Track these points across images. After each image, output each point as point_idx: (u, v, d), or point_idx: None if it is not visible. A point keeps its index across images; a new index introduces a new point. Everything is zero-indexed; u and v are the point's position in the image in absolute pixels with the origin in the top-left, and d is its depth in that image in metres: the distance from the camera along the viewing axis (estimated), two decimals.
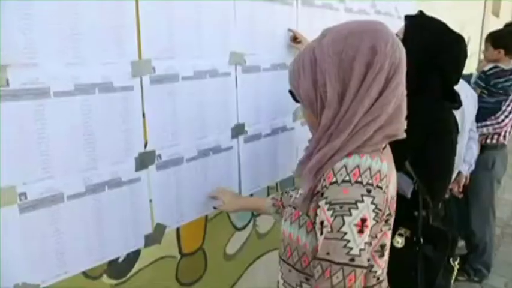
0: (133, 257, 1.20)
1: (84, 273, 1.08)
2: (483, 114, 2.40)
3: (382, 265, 0.89)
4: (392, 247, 1.22)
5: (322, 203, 0.79)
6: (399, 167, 1.18)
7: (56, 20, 0.94)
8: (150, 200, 1.22)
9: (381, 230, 0.84)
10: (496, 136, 2.48)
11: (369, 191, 0.77)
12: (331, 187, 0.78)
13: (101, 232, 1.09)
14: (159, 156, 1.22)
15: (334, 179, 0.78)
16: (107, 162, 1.09)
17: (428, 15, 1.43)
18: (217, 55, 1.35)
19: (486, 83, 2.56)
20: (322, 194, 0.80)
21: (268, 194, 1.71)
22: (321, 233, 0.78)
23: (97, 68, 1.03)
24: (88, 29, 1.00)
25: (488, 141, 2.49)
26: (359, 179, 0.77)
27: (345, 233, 0.75)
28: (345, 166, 0.79)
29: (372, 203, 0.77)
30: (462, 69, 1.41)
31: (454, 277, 1.35)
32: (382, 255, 0.87)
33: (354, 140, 0.80)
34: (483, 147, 2.48)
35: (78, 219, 1.04)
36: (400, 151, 1.15)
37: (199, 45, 1.29)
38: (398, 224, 1.17)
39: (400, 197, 1.18)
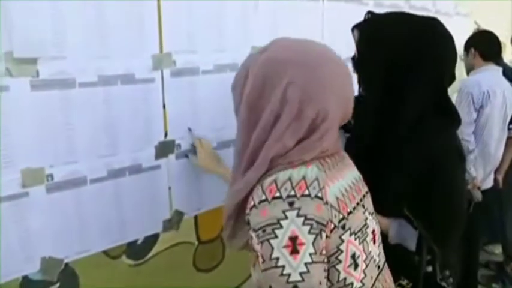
0: (152, 240, 1.28)
1: (105, 252, 1.16)
2: None
3: (359, 276, 0.76)
4: None
5: (250, 232, 0.70)
6: (398, 213, 1.01)
7: (82, 15, 1.02)
8: (169, 188, 1.28)
9: (342, 239, 0.72)
10: None
11: (291, 204, 0.66)
12: (251, 212, 0.69)
13: (121, 215, 1.17)
14: (179, 145, 1.28)
15: (253, 203, 0.70)
16: (128, 150, 1.16)
17: (379, 13, 1.08)
18: (238, 49, 1.38)
19: None
20: (248, 221, 0.70)
21: None
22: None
23: (120, 61, 1.10)
24: (112, 24, 1.07)
25: None
26: (277, 194, 0.67)
27: (277, 259, 0.65)
28: (260, 185, 0.70)
29: (298, 215, 0.66)
30: (453, 62, 1.05)
31: None
32: (356, 265, 0.74)
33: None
34: None
35: (99, 202, 1.12)
36: (395, 196, 0.98)
37: (220, 40, 1.33)
38: (398, 272, 0.99)
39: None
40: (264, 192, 0.69)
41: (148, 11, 1.14)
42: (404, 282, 1.03)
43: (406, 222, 1.02)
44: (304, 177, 0.69)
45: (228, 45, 1.36)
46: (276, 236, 0.65)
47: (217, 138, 1.39)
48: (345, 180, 0.78)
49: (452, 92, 2.36)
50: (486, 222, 2.48)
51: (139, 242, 1.24)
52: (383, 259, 0.86)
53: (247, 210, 0.71)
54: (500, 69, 2.27)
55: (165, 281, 1.32)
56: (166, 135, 1.24)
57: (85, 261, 1.11)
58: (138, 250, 1.25)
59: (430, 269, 1.04)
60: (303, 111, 0.71)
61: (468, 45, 2.30)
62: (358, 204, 0.78)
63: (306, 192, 0.68)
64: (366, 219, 0.79)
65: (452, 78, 1.06)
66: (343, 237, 0.72)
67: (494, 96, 2.16)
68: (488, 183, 2.30)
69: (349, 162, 0.86)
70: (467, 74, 2.38)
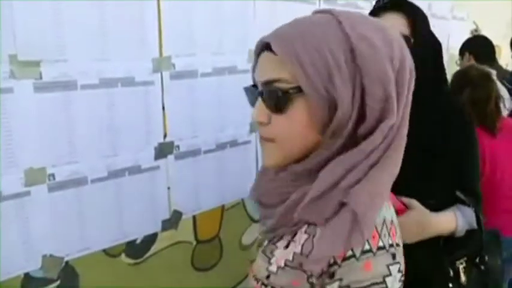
0: (150, 239, 1.30)
1: (105, 251, 1.18)
2: None
3: None
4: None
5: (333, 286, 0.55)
6: (451, 197, 1.01)
7: (84, 19, 1.04)
8: (168, 188, 1.31)
9: None
10: None
11: (394, 256, 0.55)
12: (345, 264, 0.54)
13: (120, 214, 1.19)
14: (178, 147, 1.31)
15: (351, 252, 0.54)
16: (128, 151, 1.18)
17: None
18: (236, 53, 1.42)
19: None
20: (333, 274, 0.55)
21: None
22: None
23: (120, 63, 1.12)
24: (113, 28, 1.10)
25: None
26: (380, 244, 0.54)
27: None
28: None
29: (399, 270, 0.55)
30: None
31: None
32: None
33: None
34: None
35: (100, 201, 1.14)
36: (443, 182, 1.00)
37: (219, 43, 1.36)
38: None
39: None
40: (366, 240, 0.54)
41: (149, 15, 1.17)
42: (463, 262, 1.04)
43: (462, 205, 1.01)
44: (392, 220, 0.59)
45: (227, 49, 1.38)
46: None
47: (216, 140, 1.41)
48: None
49: None
50: None
51: (138, 241, 1.27)
52: None
53: (336, 259, 0.54)
54: (494, 72, 2.31)
55: (163, 279, 1.34)
56: (165, 136, 1.27)
57: (85, 260, 1.13)
58: (137, 249, 1.27)
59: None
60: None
61: (463, 49, 2.37)
62: None
63: (397, 241, 0.58)
64: None
65: None
66: None
67: None
68: None
69: None
70: None
